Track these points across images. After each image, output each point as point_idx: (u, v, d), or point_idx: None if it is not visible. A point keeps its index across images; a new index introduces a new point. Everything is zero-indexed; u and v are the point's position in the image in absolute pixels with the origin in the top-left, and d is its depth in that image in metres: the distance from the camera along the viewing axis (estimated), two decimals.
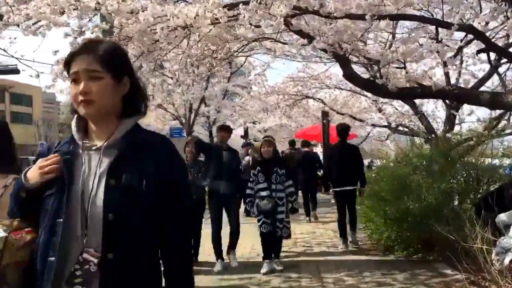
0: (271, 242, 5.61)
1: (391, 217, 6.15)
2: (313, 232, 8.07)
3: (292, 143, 12.45)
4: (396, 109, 13.93)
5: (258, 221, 5.59)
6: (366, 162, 31.30)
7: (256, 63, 14.17)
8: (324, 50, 5.79)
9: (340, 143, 7.11)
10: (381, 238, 6.44)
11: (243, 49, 8.46)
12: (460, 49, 7.64)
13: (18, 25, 3.79)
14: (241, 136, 29.65)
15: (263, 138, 6.10)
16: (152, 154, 1.43)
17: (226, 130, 6.27)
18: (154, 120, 13.42)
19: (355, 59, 8.15)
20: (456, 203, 6.17)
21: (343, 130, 7.10)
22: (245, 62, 13.94)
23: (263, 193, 5.53)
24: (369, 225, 7.20)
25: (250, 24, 4.68)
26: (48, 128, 53.35)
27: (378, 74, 6.25)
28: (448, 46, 6.62)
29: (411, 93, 6.34)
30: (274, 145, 5.81)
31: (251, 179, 5.68)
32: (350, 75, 6.24)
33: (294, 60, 11.58)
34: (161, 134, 1.71)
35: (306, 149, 11.35)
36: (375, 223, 6.74)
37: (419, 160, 6.75)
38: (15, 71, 20.57)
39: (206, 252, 5.99)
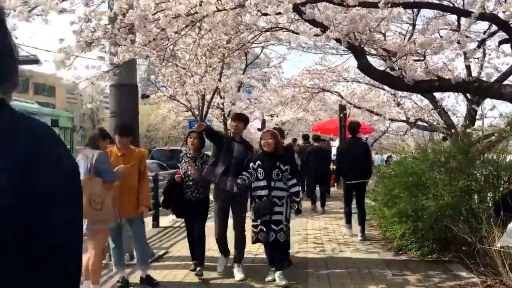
0: (274, 249, 4.87)
1: (405, 215, 5.90)
2: (325, 228, 7.86)
3: (305, 137, 12.40)
4: (415, 103, 13.57)
5: (254, 226, 4.78)
6: (385, 157, 31.01)
7: (272, 55, 13.98)
8: (338, 40, 5.56)
9: (351, 139, 7.71)
10: (394, 236, 6.21)
11: (255, 39, 8.27)
12: (482, 42, 7.31)
13: (14, 10, 3.65)
14: (258, 129, 29.55)
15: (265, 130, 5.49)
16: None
17: (239, 119, 5.28)
18: (167, 112, 13.34)
19: (373, 51, 7.91)
20: (474, 202, 5.88)
21: (354, 128, 7.68)
22: (260, 53, 13.77)
23: (262, 192, 4.73)
24: (382, 222, 6.97)
25: (258, 10, 4.48)
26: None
27: (394, 66, 6.00)
28: (468, 37, 6.33)
29: (429, 86, 6.06)
30: (277, 137, 4.90)
31: (248, 172, 4.82)
32: (364, 67, 6.00)
33: (310, 52, 11.36)
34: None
35: (316, 143, 11.27)
36: (388, 220, 6.50)
37: (436, 156, 6.46)
38: (36, 61, 20.81)
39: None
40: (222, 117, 13.88)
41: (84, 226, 4.01)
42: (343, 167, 7.35)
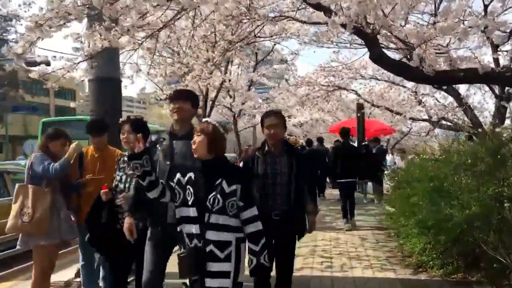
0: None
1: (425, 226, 5.12)
2: (336, 239, 7.09)
3: (320, 139, 12.18)
4: (438, 101, 12.68)
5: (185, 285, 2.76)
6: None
7: (285, 51, 13.23)
8: (344, 26, 4.81)
9: (343, 143, 8.81)
10: (413, 251, 5.42)
11: (260, 31, 7.56)
12: None
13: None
14: None
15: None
16: None
17: (182, 98, 3.23)
18: (170, 111, 12.71)
19: (391, 45, 7.13)
20: (506, 211, 5.04)
21: (346, 132, 8.80)
22: (272, 50, 13.06)
23: (191, 229, 2.66)
24: (400, 232, 6.20)
25: None
26: None
27: (413, 56, 5.22)
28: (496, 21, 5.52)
29: (452, 77, 5.25)
30: (213, 132, 2.73)
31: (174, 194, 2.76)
32: (377, 56, 5.25)
33: (324, 47, 10.61)
34: None
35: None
36: (406, 232, 5.72)
37: (461, 158, 5.64)
38: (46, 63, 20.64)
39: None
40: (232, 118, 13.22)
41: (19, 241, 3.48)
42: (337, 168, 8.33)
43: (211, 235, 2.60)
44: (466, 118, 11.51)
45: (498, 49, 6.70)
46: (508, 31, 6.17)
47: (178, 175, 2.74)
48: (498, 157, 5.40)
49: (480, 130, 9.22)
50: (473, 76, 5.01)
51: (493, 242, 4.45)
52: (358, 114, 14.11)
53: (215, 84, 9.41)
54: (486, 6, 6.52)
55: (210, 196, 2.62)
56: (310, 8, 6.29)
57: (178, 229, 2.72)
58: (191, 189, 2.67)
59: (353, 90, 13.54)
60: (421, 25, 8.02)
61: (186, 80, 7.51)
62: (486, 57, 13.17)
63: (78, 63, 4.45)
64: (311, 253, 6.10)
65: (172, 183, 2.73)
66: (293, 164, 3.60)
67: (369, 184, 12.57)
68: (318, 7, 5.03)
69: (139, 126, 3.55)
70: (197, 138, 2.70)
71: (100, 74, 5.15)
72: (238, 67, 13.05)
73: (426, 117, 12.82)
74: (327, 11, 4.90)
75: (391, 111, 13.31)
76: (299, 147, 14.41)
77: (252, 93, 13.00)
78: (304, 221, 3.72)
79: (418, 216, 5.16)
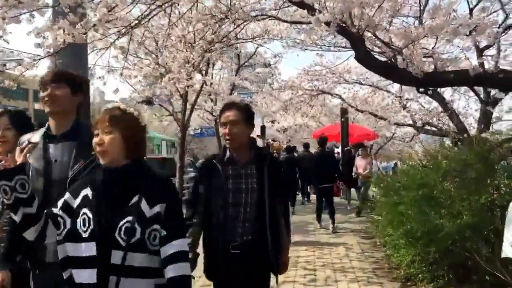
0: None
1: (414, 237, 4.83)
2: (320, 248, 6.76)
3: (306, 145, 13.34)
4: (422, 106, 12.50)
5: None
6: (392, 164, 29.95)
7: (268, 54, 12.92)
8: (328, 24, 4.52)
9: (320, 150, 9.51)
10: (401, 263, 5.14)
11: (240, 31, 7.26)
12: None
13: None
14: (258, 136, 28.47)
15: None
16: None
17: (55, 80, 2.23)
18: (150, 116, 12.35)
19: (376, 49, 6.88)
20: (499, 220, 4.80)
21: (322, 142, 9.59)
22: (255, 53, 12.76)
23: (84, 276, 1.68)
24: (387, 242, 5.91)
25: None
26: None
27: (398, 58, 4.96)
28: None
29: (442, 79, 5.00)
30: (133, 130, 1.80)
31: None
32: (363, 57, 4.97)
33: (307, 49, 10.36)
34: None
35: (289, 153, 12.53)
36: (394, 242, 5.44)
37: (450, 164, 5.39)
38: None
39: None
40: (214, 123, 12.85)
41: None
42: (314, 174, 9.17)
43: (125, 285, 1.66)
44: (451, 124, 11.37)
45: (483, 54, 6.52)
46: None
47: (66, 195, 1.79)
48: (487, 163, 5.18)
49: (465, 135, 9.06)
50: (463, 78, 4.77)
51: (486, 253, 4.19)
52: (342, 119, 13.90)
53: (196, 87, 9.04)
54: (471, 10, 6.32)
55: (122, 223, 1.68)
56: (293, 7, 6.04)
57: (64, 276, 1.73)
58: (87, 214, 1.71)
59: (337, 95, 13.32)
60: (408, 25, 7.83)
61: (163, 82, 7.11)
62: (473, 61, 13.08)
63: (39, 59, 4.06)
64: (294, 265, 5.76)
65: (54, 209, 1.76)
66: (265, 176, 2.59)
67: (352, 190, 12.32)
68: (301, 5, 4.76)
69: (21, 121, 2.57)
70: (104, 136, 1.72)
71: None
72: (220, 70, 12.73)
73: (410, 122, 12.64)
74: (311, 9, 4.63)
75: (375, 116, 13.10)
76: (280, 154, 14.08)
77: (234, 97, 12.66)
78: (277, 257, 2.65)
79: (407, 226, 4.88)
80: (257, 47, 12.17)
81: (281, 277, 4.93)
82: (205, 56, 7.23)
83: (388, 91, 12.82)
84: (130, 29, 5.05)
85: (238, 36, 8.72)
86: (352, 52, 6.52)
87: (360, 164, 11.14)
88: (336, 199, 13.74)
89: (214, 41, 6.66)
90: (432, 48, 6.18)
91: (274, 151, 28.83)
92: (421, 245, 4.75)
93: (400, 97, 12.29)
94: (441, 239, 4.60)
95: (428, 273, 4.72)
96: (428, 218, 4.73)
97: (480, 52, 6.42)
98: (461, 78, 4.84)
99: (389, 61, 5.18)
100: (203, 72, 9.53)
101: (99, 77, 6.84)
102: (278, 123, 25.55)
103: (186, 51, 6.78)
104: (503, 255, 3.07)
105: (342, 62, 11.57)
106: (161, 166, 15.90)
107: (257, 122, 23.25)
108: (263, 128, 25.92)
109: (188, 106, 8.92)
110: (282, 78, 13.19)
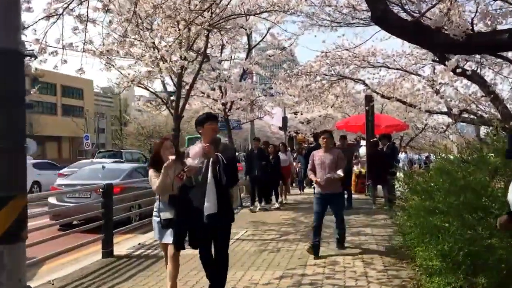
0: None
1: (454, 260, 3.51)
2: (331, 264, 5.46)
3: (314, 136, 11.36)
4: (458, 91, 10.95)
5: None
6: (423, 156, 28.07)
7: (282, 36, 11.58)
8: None
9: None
10: None
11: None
12: None
13: None
14: (280, 128, 27.03)
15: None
16: None
17: None
18: (143, 104, 11.24)
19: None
20: None
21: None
22: (267, 34, 11.47)
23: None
24: (418, 258, 4.58)
25: None
26: (99, 121, 52.72)
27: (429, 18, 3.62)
28: None
29: (492, 42, 3.61)
30: None
31: None
32: (382, 15, 3.66)
33: (323, 25, 9.04)
34: None
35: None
36: (425, 261, 4.11)
37: (502, 159, 4.03)
38: (31, 56, 19.42)
39: None
40: (223, 113, 11.63)
41: None
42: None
43: None
44: (493, 110, 9.88)
45: None
46: None
47: None
48: None
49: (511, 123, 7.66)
50: None
51: None
52: (367, 108, 12.50)
53: (190, 70, 7.84)
54: None
55: None
56: None
57: None
58: None
59: (359, 80, 11.89)
60: None
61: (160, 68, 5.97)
62: None
63: None
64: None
65: None
66: None
67: (379, 187, 10.91)
68: None
69: None
70: None
71: None
72: (230, 54, 11.52)
73: (445, 109, 11.15)
74: None
75: (404, 103, 11.63)
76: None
77: (244, 83, 11.42)
78: None
79: (443, 244, 3.56)
80: (269, 28, 10.89)
81: None
82: (193, 30, 6.00)
83: (419, 75, 11.32)
84: None
85: (241, 10, 7.50)
86: (377, 30, 5.21)
87: None
88: (360, 197, 12.42)
89: (200, 10, 5.43)
90: None
91: (298, 144, 27.50)
92: (463, 273, 3.43)
93: (433, 81, 10.78)
94: (492, 265, 3.28)
95: None
96: (473, 235, 3.41)
97: None
98: None
99: (416, 21, 3.84)
100: (199, 52, 8.25)
101: (52, 53, 5.76)
102: (301, 114, 24.19)
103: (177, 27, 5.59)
104: None
105: (365, 42, 10.13)
106: None
107: (278, 112, 21.94)
108: (285, 119, 24.58)
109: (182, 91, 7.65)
110: (299, 62, 11.84)
